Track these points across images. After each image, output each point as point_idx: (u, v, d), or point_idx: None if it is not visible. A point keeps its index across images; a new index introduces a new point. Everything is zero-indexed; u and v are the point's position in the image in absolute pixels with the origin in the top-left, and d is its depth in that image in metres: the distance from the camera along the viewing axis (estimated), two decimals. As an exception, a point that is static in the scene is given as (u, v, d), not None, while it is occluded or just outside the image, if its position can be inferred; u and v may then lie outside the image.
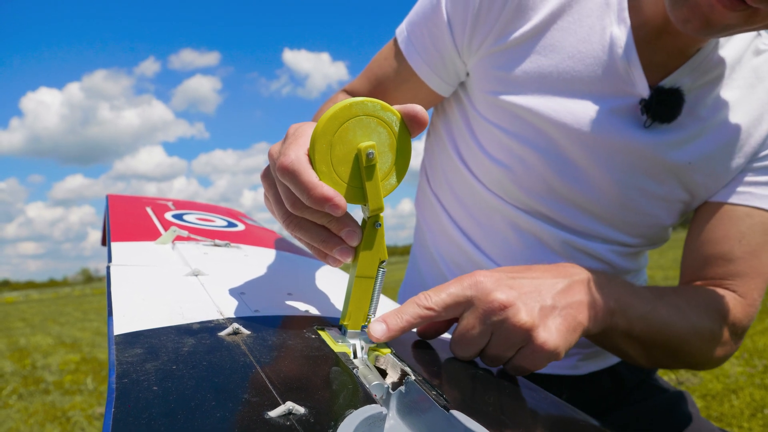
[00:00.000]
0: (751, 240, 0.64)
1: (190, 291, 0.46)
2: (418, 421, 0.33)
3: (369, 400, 0.31)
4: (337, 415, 0.28)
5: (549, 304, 0.48)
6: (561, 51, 0.62)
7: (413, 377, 0.36)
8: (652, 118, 0.61)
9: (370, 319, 0.43)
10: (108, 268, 0.50)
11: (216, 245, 0.68)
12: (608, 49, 0.61)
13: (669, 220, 0.69)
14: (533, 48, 0.63)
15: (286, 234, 0.44)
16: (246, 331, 0.38)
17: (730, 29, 0.50)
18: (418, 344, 0.47)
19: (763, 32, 0.66)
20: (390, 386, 0.35)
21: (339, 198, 0.36)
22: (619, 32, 0.61)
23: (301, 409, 0.28)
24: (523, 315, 0.45)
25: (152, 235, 0.67)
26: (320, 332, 0.42)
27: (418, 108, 0.38)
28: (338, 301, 0.54)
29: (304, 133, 0.39)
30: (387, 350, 0.41)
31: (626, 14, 0.61)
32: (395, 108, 0.38)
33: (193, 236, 0.69)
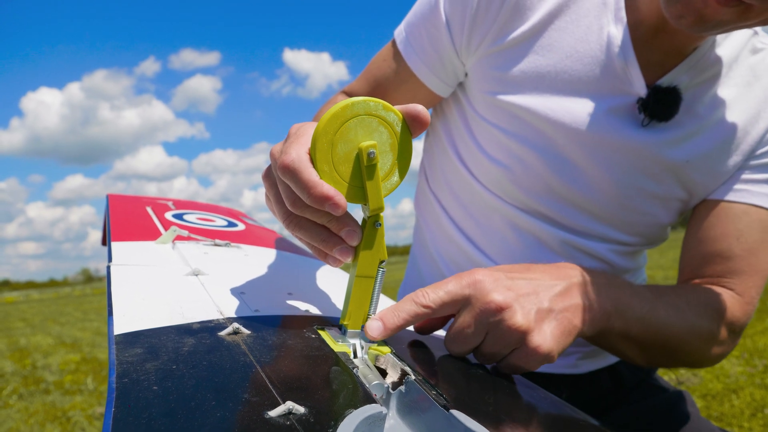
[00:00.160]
0: (749, 238, 0.64)
1: (191, 291, 0.46)
2: (418, 421, 0.33)
3: (369, 399, 0.31)
4: (337, 414, 0.28)
5: (546, 307, 0.48)
6: (559, 51, 0.62)
7: (413, 377, 0.36)
8: (650, 117, 0.61)
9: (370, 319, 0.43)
10: (108, 267, 0.50)
11: (216, 245, 0.68)
12: (605, 49, 0.61)
13: (667, 219, 0.69)
14: (531, 48, 0.63)
15: (286, 234, 0.44)
16: (246, 331, 0.38)
17: (724, 25, 0.50)
18: (418, 344, 0.47)
19: (759, 31, 0.67)
20: (390, 386, 0.35)
21: (339, 197, 0.36)
22: (616, 31, 0.61)
23: (301, 409, 0.28)
24: (519, 318, 0.45)
25: (152, 234, 0.67)
26: (320, 332, 0.42)
27: (419, 108, 0.38)
28: (338, 301, 0.54)
29: (305, 132, 0.39)
30: (387, 350, 0.41)
31: (623, 13, 0.61)
32: (397, 108, 0.38)
33: (193, 236, 0.69)
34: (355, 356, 0.40)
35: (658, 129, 0.63)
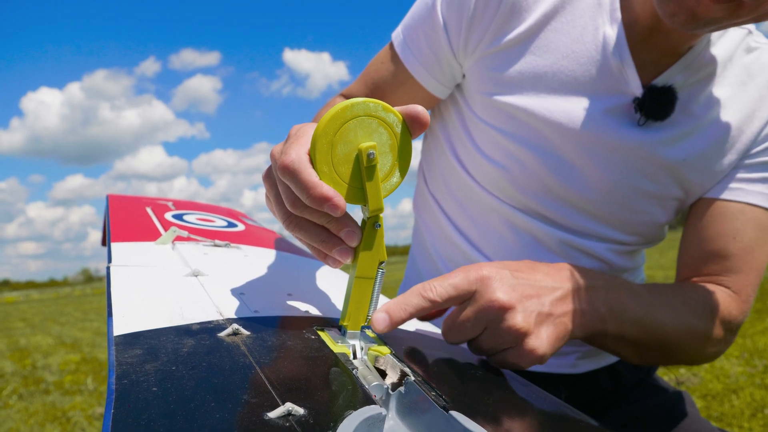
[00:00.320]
0: (745, 237, 0.65)
1: (190, 291, 0.46)
2: (418, 422, 0.33)
3: (368, 400, 0.31)
4: (337, 415, 0.28)
5: (546, 311, 0.49)
6: (555, 51, 0.63)
7: (413, 378, 0.36)
8: (646, 116, 0.62)
9: (369, 320, 0.43)
10: (108, 268, 0.50)
11: (216, 245, 0.68)
12: (601, 49, 0.62)
13: (664, 218, 0.70)
14: (527, 49, 0.64)
15: (286, 234, 0.44)
16: (246, 332, 0.38)
17: (717, 23, 0.51)
18: (418, 345, 0.47)
19: (754, 30, 0.67)
20: (389, 387, 0.35)
21: (338, 198, 0.36)
22: (612, 32, 0.61)
23: (300, 410, 0.28)
24: (520, 320, 0.46)
25: (152, 235, 0.67)
26: (320, 333, 0.42)
27: (419, 108, 0.38)
28: (338, 302, 0.54)
29: (305, 133, 0.39)
30: (386, 351, 0.41)
31: (618, 14, 0.61)
32: (396, 109, 0.38)
33: (193, 236, 0.69)
34: (355, 357, 0.40)
35: (654, 128, 0.63)
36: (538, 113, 0.63)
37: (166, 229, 0.71)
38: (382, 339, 0.44)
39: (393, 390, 0.35)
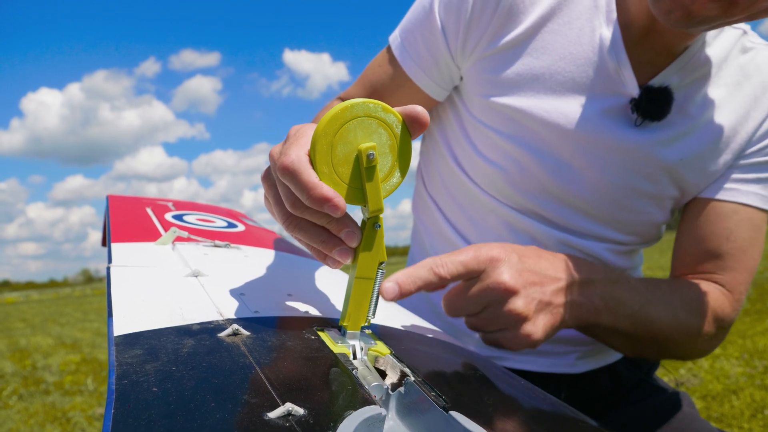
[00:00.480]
0: (738, 236, 0.66)
1: (190, 292, 0.46)
2: (418, 422, 0.33)
3: (368, 401, 0.31)
4: (337, 416, 0.28)
5: (546, 300, 0.51)
6: (552, 53, 0.63)
7: (412, 378, 0.36)
8: (643, 117, 0.62)
9: (369, 321, 0.43)
10: (108, 268, 0.50)
11: (216, 246, 0.68)
12: (598, 50, 0.62)
13: (661, 217, 0.70)
14: (525, 50, 0.64)
15: (286, 234, 0.44)
16: (246, 332, 0.38)
17: (711, 21, 0.51)
18: (418, 345, 0.47)
19: (748, 30, 0.68)
20: (389, 387, 0.35)
21: (338, 198, 0.36)
22: (608, 33, 0.62)
23: (300, 410, 0.28)
24: (521, 304, 0.49)
25: (152, 235, 0.67)
26: (320, 333, 0.42)
27: (419, 109, 0.38)
28: (338, 302, 0.55)
29: (305, 134, 0.39)
30: (386, 351, 0.41)
31: (614, 15, 0.62)
32: (396, 109, 0.38)
33: (193, 237, 0.69)
34: (355, 357, 0.40)
35: (650, 129, 0.64)
36: (535, 114, 0.64)
37: (166, 230, 0.71)
38: (382, 339, 0.44)
39: (393, 390, 0.35)
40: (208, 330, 0.38)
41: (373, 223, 0.40)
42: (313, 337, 0.41)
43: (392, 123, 0.38)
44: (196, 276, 0.51)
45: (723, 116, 0.65)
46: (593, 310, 0.56)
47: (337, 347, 0.40)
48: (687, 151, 0.65)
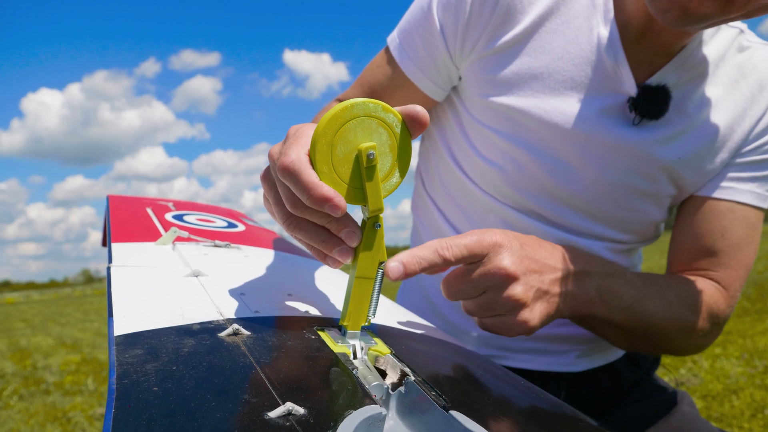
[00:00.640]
0: (733, 234, 0.67)
1: (191, 292, 0.46)
2: (418, 422, 0.33)
3: (368, 400, 0.31)
4: (337, 415, 0.28)
5: (544, 288, 0.53)
6: (550, 52, 0.64)
7: (413, 378, 0.36)
8: (641, 116, 0.62)
9: (369, 320, 0.43)
10: (108, 268, 0.50)
11: (216, 246, 0.68)
12: (596, 49, 0.63)
13: (659, 216, 0.71)
14: (523, 50, 0.64)
15: (286, 234, 0.44)
16: (246, 332, 0.38)
17: (708, 19, 0.51)
18: (418, 345, 0.47)
19: (745, 29, 0.68)
20: (389, 387, 0.35)
21: (339, 198, 0.36)
22: (606, 32, 0.62)
23: (300, 410, 0.28)
24: (520, 290, 0.50)
25: (153, 235, 0.67)
26: (320, 333, 0.42)
27: (418, 108, 0.38)
28: (338, 302, 0.55)
29: (304, 133, 0.39)
30: (387, 351, 0.41)
31: (612, 15, 0.62)
32: (396, 109, 0.39)
33: (193, 237, 0.69)
34: (355, 357, 0.40)
35: (648, 127, 0.64)
36: (534, 114, 0.64)
37: (166, 230, 0.72)
38: (383, 339, 0.44)
39: (393, 390, 0.35)
40: (209, 330, 0.38)
41: (373, 223, 0.40)
42: (313, 337, 0.41)
43: (392, 123, 0.38)
44: (197, 276, 0.51)
45: (720, 115, 0.66)
46: (588, 302, 0.57)
47: (337, 347, 0.40)
48: (685, 150, 0.65)
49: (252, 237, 0.82)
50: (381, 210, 0.40)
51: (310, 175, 0.36)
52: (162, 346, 0.34)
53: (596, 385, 0.77)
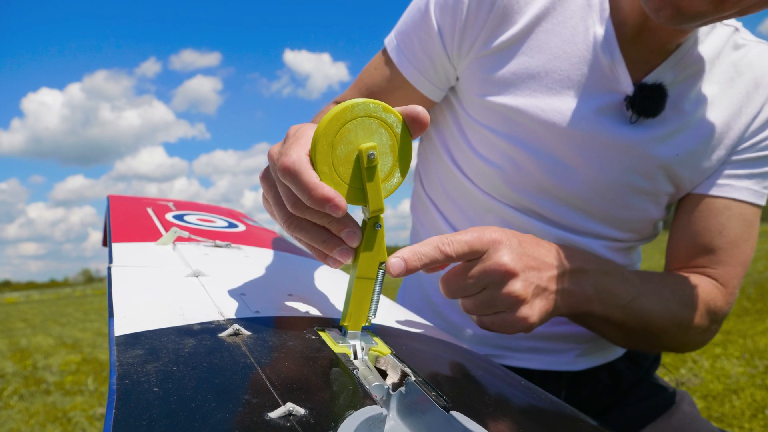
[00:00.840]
0: (731, 231, 0.67)
1: (191, 292, 0.46)
2: (418, 422, 0.33)
3: (369, 401, 0.31)
4: (338, 415, 0.28)
5: (543, 285, 0.53)
6: (547, 52, 0.64)
7: (413, 378, 0.36)
8: (638, 114, 0.63)
9: (370, 321, 0.43)
10: (109, 269, 0.50)
11: (217, 246, 0.68)
12: (592, 49, 0.63)
13: (658, 214, 0.71)
14: (520, 50, 0.65)
15: (286, 235, 0.44)
16: (246, 332, 0.38)
17: (702, 17, 0.51)
18: (419, 345, 0.47)
19: (740, 27, 0.68)
20: (390, 387, 0.35)
21: (339, 199, 0.36)
22: (602, 31, 0.63)
23: (301, 410, 0.28)
24: (519, 287, 0.50)
25: (153, 235, 0.67)
26: (320, 333, 0.42)
27: (419, 108, 0.38)
28: (339, 302, 0.55)
29: (304, 134, 0.39)
30: (387, 351, 0.41)
31: (607, 14, 0.63)
32: (396, 109, 0.39)
33: (193, 237, 0.69)
34: (356, 357, 0.40)
35: (645, 125, 0.64)
36: (531, 113, 0.64)
37: (166, 230, 0.72)
38: (383, 339, 0.44)
39: (394, 390, 0.35)
40: (209, 330, 0.38)
41: (373, 223, 0.40)
42: (313, 337, 0.41)
43: (393, 123, 0.38)
44: (197, 276, 0.51)
45: (716, 112, 0.66)
46: (585, 299, 0.57)
47: (337, 347, 0.40)
48: (682, 148, 0.65)
49: (252, 237, 0.82)
50: (381, 210, 0.40)
51: (310, 176, 0.36)
52: (162, 346, 0.34)
53: (596, 385, 0.77)
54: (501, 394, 0.42)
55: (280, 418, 0.27)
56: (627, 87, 0.63)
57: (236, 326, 0.38)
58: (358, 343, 0.41)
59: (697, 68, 0.65)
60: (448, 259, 0.48)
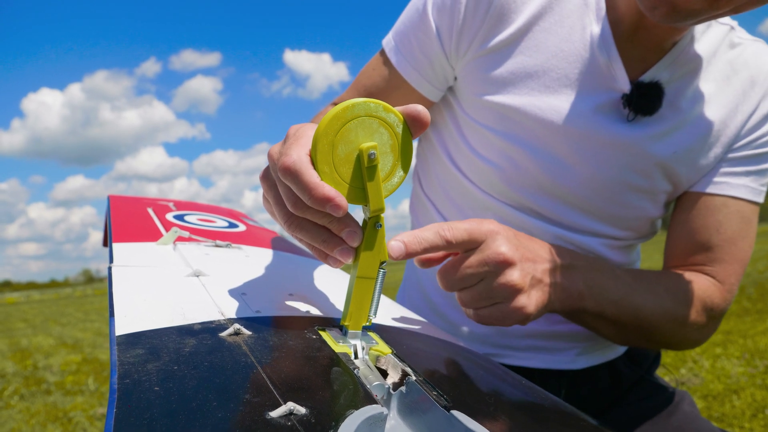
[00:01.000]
0: (728, 228, 0.67)
1: (192, 292, 0.46)
2: (419, 422, 0.33)
3: (370, 400, 0.31)
4: (338, 415, 0.29)
5: (538, 277, 0.54)
6: (544, 51, 0.64)
7: (414, 377, 0.36)
8: (635, 112, 0.63)
9: (370, 320, 0.43)
10: (109, 268, 0.50)
11: (217, 246, 0.68)
12: (589, 47, 0.63)
13: (655, 212, 0.71)
14: (517, 49, 0.65)
15: (287, 234, 0.44)
16: (247, 332, 0.38)
17: (697, 15, 0.52)
18: (419, 345, 0.47)
19: (736, 26, 0.69)
20: (391, 386, 0.35)
21: (340, 198, 0.36)
22: (598, 30, 0.63)
23: (302, 410, 0.28)
24: (517, 276, 0.50)
25: (153, 235, 0.67)
26: (321, 332, 0.42)
27: (419, 108, 0.38)
28: (339, 302, 0.55)
29: (305, 133, 0.39)
30: (388, 350, 0.41)
31: (604, 13, 0.63)
32: (397, 109, 0.39)
33: (194, 237, 0.70)
34: (356, 357, 0.40)
35: (642, 123, 0.65)
36: (529, 112, 0.65)
37: (167, 230, 0.72)
38: (384, 339, 0.44)
39: (394, 390, 0.35)
40: (210, 330, 0.38)
41: (374, 223, 0.40)
42: (314, 337, 0.41)
43: (393, 122, 0.38)
44: (198, 276, 0.52)
45: (713, 110, 0.66)
46: (577, 295, 0.58)
47: (338, 347, 0.40)
48: (679, 146, 0.66)
49: (253, 237, 0.82)
50: (382, 210, 0.40)
51: (311, 175, 0.36)
52: (163, 345, 0.34)
53: (596, 384, 0.77)
54: (501, 393, 0.42)
55: (280, 417, 0.27)
56: (624, 85, 0.63)
57: (237, 326, 0.38)
58: (358, 343, 0.41)
59: (693, 66, 0.66)
60: (447, 244, 0.49)
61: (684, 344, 0.69)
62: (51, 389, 3.67)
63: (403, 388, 0.35)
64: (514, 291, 0.51)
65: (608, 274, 0.61)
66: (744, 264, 0.69)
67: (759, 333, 3.45)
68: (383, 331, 0.47)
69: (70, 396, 3.44)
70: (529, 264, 0.53)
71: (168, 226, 0.75)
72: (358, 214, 0.43)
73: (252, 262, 0.63)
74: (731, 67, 0.67)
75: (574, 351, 0.75)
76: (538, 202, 0.69)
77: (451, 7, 0.66)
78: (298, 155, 0.37)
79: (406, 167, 0.40)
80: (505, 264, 0.50)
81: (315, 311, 0.48)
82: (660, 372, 0.88)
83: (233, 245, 0.70)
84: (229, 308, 0.43)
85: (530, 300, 0.52)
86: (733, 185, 0.67)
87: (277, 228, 0.96)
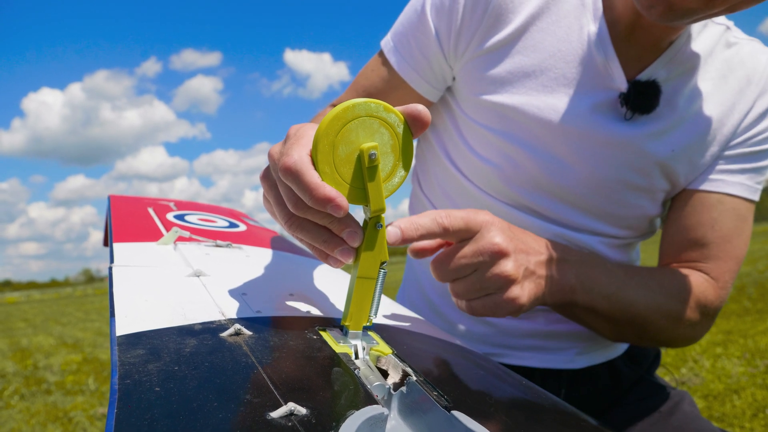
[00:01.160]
0: (723, 226, 0.68)
1: (192, 292, 0.46)
2: (420, 422, 0.33)
3: (370, 400, 0.31)
4: (339, 415, 0.29)
5: (531, 269, 0.55)
6: (542, 50, 0.65)
7: (414, 378, 0.36)
8: (632, 110, 0.63)
9: (371, 320, 0.43)
10: (110, 268, 0.50)
11: (218, 246, 0.68)
12: (586, 47, 0.64)
13: (654, 211, 0.71)
14: (515, 49, 0.65)
15: (287, 234, 0.44)
16: (248, 332, 0.38)
17: (693, 14, 0.52)
18: (420, 345, 0.47)
19: (732, 26, 0.69)
20: (391, 387, 0.35)
21: (341, 198, 0.36)
22: (595, 30, 0.64)
23: (302, 410, 0.28)
24: (511, 267, 0.51)
25: (154, 235, 0.67)
26: (322, 333, 0.42)
27: (420, 108, 0.38)
28: (340, 302, 0.55)
29: (305, 134, 0.39)
30: (388, 351, 0.41)
31: (601, 12, 0.64)
32: (397, 109, 0.39)
33: (194, 237, 0.70)
34: (357, 357, 0.40)
35: (640, 122, 0.65)
36: (527, 111, 0.65)
37: (167, 230, 0.72)
38: (384, 339, 0.44)
39: (395, 390, 0.35)
40: (210, 330, 0.38)
41: (375, 223, 0.40)
42: (315, 337, 0.41)
43: (394, 123, 0.38)
44: (198, 276, 0.52)
45: (710, 109, 0.67)
46: (569, 288, 0.58)
47: (339, 347, 0.40)
48: (677, 144, 0.66)
49: (253, 237, 0.82)
50: (383, 210, 0.40)
51: (312, 176, 0.36)
52: (164, 346, 0.34)
53: (596, 383, 0.78)
54: (501, 393, 0.42)
55: (281, 417, 0.27)
56: (621, 84, 0.64)
57: (237, 326, 0.38)
58: (359, 343, 0.41)
59: (690, 65, 0.66)
60: (443, 231, 0.49)
61: (677, 341, 0.69)
62: (51, 389, 3.68)
63: (403, 389, 0.35)
64: (508, 282, 0.51)
65: (601, 269, 0.61)
66: (739, 261, 0.69)
67: (759, 333, 3.45)
68: (384, 331, 0.47)
69: (70, 396, 3.45)
70: (522, 255, 0.53)
71: (168, 226, 0.75)
72: (359, 214, 0.43)
73: (252, 262, 0.63)
74: (727, 65, 0.68)
75: (574, 350, 0.75)
76: (536, 201, 0.69)
77: (450, 8, 0.66)
78: (299, 155, 0.37)
79: (407, 167, 0.40)
80: (499, 254, 0.50)
81: (315, 311, 0.48)
82: (660, 372, 0.88)
83: (234, 245, 0.70)
84: (230, 308, 0.43)
85: (523, 291, 0.53)
86: (729, 183, 0.68)
87: (278, 228, 0.96)
